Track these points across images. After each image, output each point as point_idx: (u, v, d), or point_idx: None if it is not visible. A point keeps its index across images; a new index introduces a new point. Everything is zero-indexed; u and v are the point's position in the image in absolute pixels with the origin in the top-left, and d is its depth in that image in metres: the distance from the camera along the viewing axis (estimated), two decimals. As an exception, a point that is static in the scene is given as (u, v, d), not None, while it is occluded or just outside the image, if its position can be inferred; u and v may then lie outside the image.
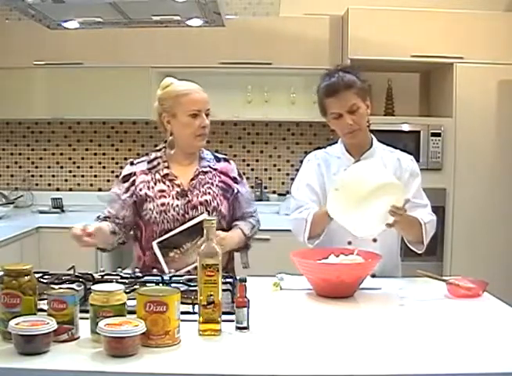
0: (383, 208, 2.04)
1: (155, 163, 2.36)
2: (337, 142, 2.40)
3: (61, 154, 4.57)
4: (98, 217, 2.34)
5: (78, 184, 4.58)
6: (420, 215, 2.21)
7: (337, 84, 2.23)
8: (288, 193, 3.90)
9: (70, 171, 4.58)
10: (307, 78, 4.23)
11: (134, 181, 2.33)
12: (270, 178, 4.52)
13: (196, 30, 3.16)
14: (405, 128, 3.92)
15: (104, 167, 4.57)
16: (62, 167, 4.58)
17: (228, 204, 2.35)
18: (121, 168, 4.42)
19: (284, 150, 4.51)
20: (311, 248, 2.29)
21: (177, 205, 2.26)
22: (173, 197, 2.28)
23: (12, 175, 4.58)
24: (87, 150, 4.56)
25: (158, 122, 2.37)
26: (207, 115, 2.31)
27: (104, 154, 4.57)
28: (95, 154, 4.56)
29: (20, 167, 4.59)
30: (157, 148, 2.42)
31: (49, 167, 4.58)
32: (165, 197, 2.28)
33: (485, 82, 3.87)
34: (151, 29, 3.30)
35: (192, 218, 2.23)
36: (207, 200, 2.29)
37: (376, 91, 3.90)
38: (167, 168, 2.34)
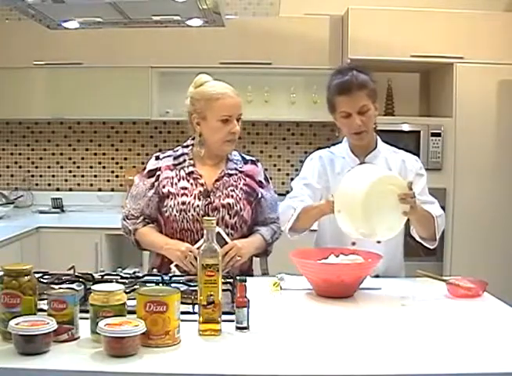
0: (391, 203, 1.98)
1: (181, 159, 2.33)
2: (341, 142, 2.40)
3: (61, 154, 4.57)
4: (126, 217, 2.34)
5: (78, 184, 4.58)
6: (430, 209, 2.20)
7: (350, 83, 2.20)
8: (288, 193, 3.90)
9: (70, 171, 4.58)
10: (307, 78, 4.23)
11: (158, 176, 2.31)
12: (270, 179, 4.49)
13: (196, 30, 3.16)
14: (405, 128, 3.92)
15: (104, 167, 4.57)
16: (62, 167, 4.58)
17: (251, 208, 2.33)
18: (121, 168, 4.52)
19: (284, 150, 4.51)
20: (312, 248, 2.29)
21: (197, 205, 2.24)
22: (195, 197, 2.26)
23: (12, 175, 4.58)
24: (87, 150, 4.56)
25: (188, 120, 2.33)
26: (238, 120, 2.27)
27: (104, 154, 4.56)
28: (95, 154, 4.56)
29: (20, 167, 4.59)
30: (184, 144, 2.38)
31: (49, 167, 4.58)
32: (187, 195, 2.26)
33: (485, 82, 3.87)
34: (151, 29, 3.30)
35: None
36: (229, 203, 2.27)
37: (376, 91, 3.90)
38: (193, 165, 2.31)
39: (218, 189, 2.29)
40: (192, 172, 2.30)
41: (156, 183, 2.30)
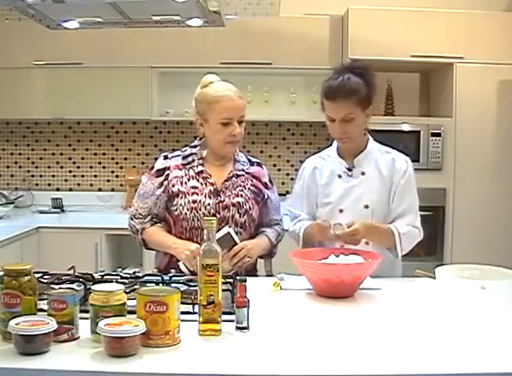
0: None
1: (190, 159, 2.34)
2: (331, 145, 2.40)
3: (61, 154, 4.57)
4: (133, 216, 2.35)
5: (78, 184, 4.58)
6: (399, 224, 2.22)
7: (337, 90, 2.17)
8: (288, 192, 3.90)
9: (70, 171, 4.58)
10: (307, 78, 4.23)
11: (168, 175, 2.32)
12: (270, 179, 4.51)
13: (196, 30, 3.16)
14: (405, 128, 3.92)
15: (104, 167, 4.57)
16: (62, 167, 4.58)
17: (258, 208, 2.35)
18: (121, 168, 4.52)
19: (284, 150, 4.51)
20: (312, 248, 2.29)
21: (208, 204, 2.25)
22: (205, 195, 2.27)
23: (12, 175, 4.58)
24: (87, 150, 4.56)
25: (195, 121, 2.35)
26: (240, 122, 2.27)
27: (104, 154, 4.56)
28: (95, 154, 4.56)
29: (20, 167, 4.59)
30: (192, 144, 2.40)
31: (49, 167, 4.58)
32: (197, 194, 2.27)
33: (485, 82, 3.87)
34: (151, 29, 3.30)
35: (224, 218, 2.23)
36: (239, 202, 2.28)
37: (376, 91, 3.91)
38: (202, 165, 2.33)
39: (227, 189, 2.30)
40: (201, 172, 2.31)
41: (165, 182, 2.31)
